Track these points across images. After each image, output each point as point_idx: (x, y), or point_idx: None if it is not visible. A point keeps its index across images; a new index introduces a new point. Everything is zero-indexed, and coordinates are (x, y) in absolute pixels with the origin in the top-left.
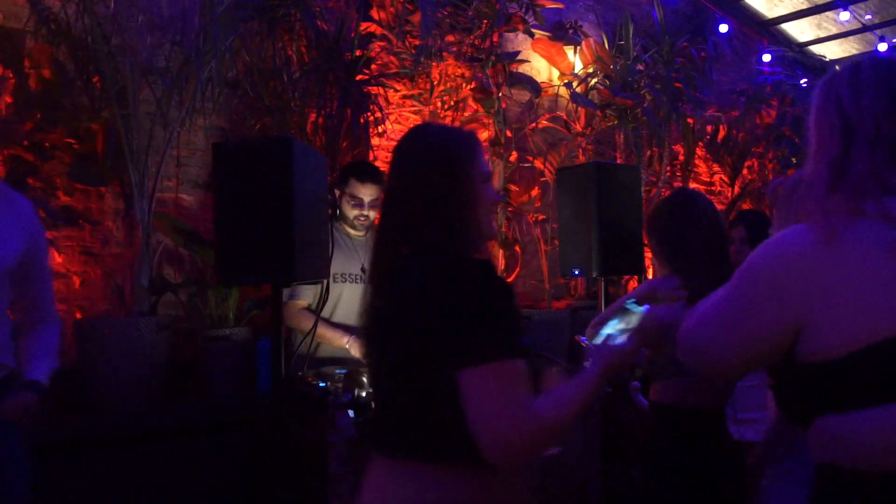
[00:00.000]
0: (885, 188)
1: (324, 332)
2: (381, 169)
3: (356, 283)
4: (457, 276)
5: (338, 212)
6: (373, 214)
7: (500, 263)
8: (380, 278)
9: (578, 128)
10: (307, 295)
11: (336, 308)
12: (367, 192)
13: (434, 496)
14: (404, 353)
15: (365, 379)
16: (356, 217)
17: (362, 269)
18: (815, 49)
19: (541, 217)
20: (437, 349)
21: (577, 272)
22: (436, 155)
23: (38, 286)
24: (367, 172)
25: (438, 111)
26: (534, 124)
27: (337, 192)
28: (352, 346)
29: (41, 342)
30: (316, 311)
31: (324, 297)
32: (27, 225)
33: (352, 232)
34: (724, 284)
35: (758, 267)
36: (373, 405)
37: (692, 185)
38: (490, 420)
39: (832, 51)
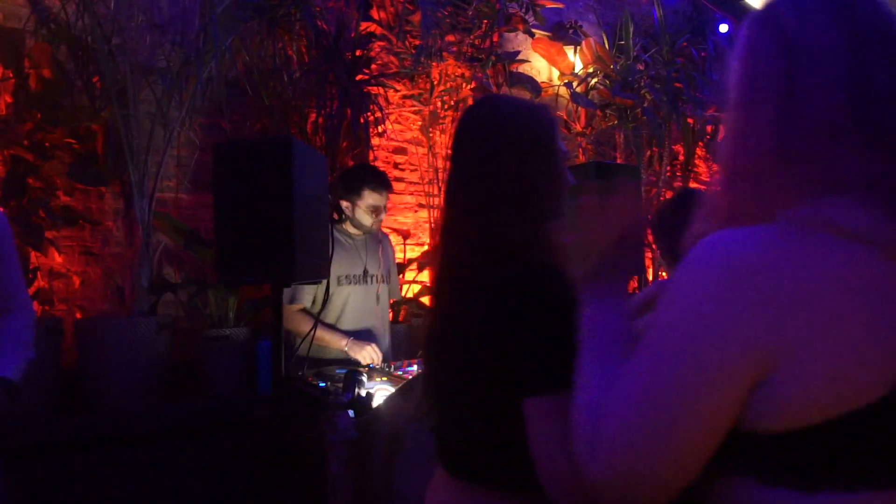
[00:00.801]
0: (836, 180)
1: (322, 334)
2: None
3: (360, 284)
4: (533, 292)
5: (342, 216)
6: (384, 216)
7: None
8: (447, 283)
9: (578, 128)
10: (306, 298)
11: (343, 312)
12: (383, 199)
13: None
14: (470, 371)
15: (365, 379)
16: (373, 223)
17: (365, 271)
18: None
19: None
20: (505, 373)
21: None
22: (513, 131)
23: (4, 275)
24: (381, 182)
25: (438, 111)
26: None
27: (345, 203)
28: (350, 348)
29: (9, 333)
30: (316, 312)
31: (325, 297)
32: None
33: (353, 232)
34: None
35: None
36: (436, 416)
37: (692, 185)
38: (551, 452)
39: None
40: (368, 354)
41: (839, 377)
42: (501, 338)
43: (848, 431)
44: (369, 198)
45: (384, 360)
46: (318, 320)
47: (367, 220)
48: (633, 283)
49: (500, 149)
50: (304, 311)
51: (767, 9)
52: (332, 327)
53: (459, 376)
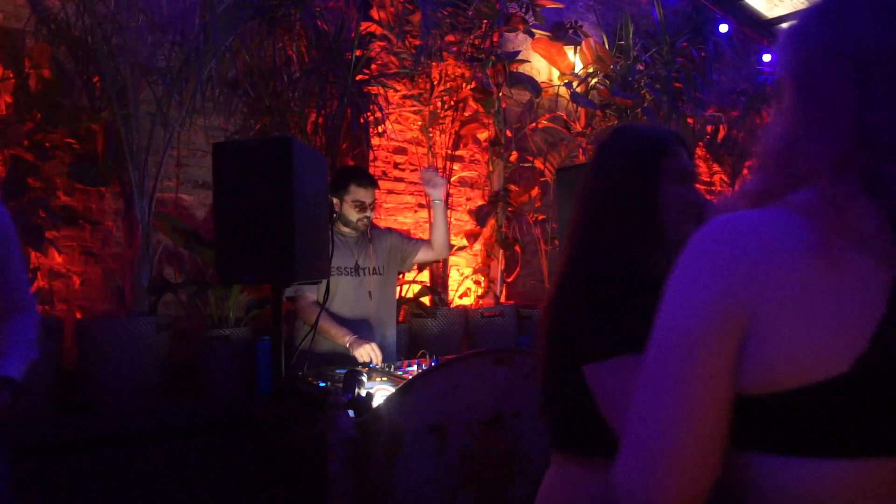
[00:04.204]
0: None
1: (329, 327)
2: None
3: (351, 275)
4: (602, 276)
5: (334, 215)
6: (371, 215)
7: (501, 263)
8: (557, 276)
9: (578, 128)
10: (312, 288)
11: (334, 298)
12: (369, 195)
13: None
14: (556, 347)
15: (365, 379)
16: (360, 220)
17: (356, 265)
18: None
19: (541, 217)
20: (572, 344)
21: None
22: (615, 149)
23: (12, 277)
24: (366, 177)
25: (438, 111)
26: (534, 124)
27: (335, 200)
28: (352, 346)
29: (15, 333)
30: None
31: (325, 297)
32: None
33: (345, 230)
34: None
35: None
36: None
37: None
38: (618, 410)
39: None
40: (367, 353)
41: (803, 345)
42: (572, 313)
43: (817, 402)
44: (355, 193)
45: (387, 357)
46: (322, 309)
47: (353, 215)
48: None
49: (602, 165)
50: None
51: (838, 7)
52: (339, 322)
53: (551, 353)
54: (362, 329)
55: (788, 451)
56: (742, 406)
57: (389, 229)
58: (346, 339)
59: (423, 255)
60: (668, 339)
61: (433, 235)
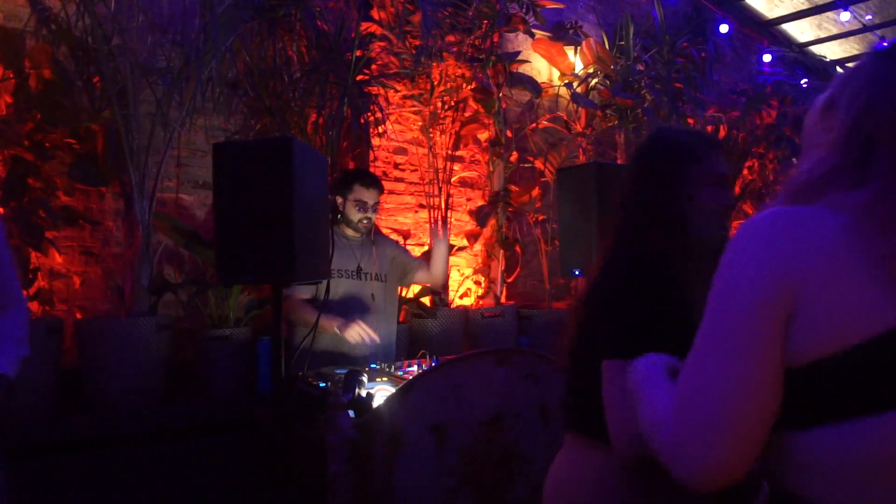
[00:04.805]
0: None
1: (321, 322)
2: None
3: (352, 278)
4: (623, 276)
5: (338, 216)
6: (374, 217)
7: (501, 263)
8: (593, 275)
9: (579, 128)
10: (306, 289)
11: (334, 301)
12: (371, 196)
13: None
14: (578, 338)
15: (365, 379)
16: (360, 220)
17: (358, 268)
18: (815, 49)
19: (541, 217)
20: (593, 338)
21: (577, 272)
22: (644, 156)
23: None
24: (371, 178)
25: (439, 111)
26: (534, 124)
27: (339, 199)
28: (341, 330)
29: (5, 330)
30: (317, 305)
31: (325, 297)
32: None
33: (349, 233)
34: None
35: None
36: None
37: None
38: (617, 408)
39: (833, 51)
40: (356, 333)
41: (845, 311)
42: (594, 309)
43: (862, 362)
44: (358, 192)
45: (387, 357)
46: (323, 307)
47: (354, 215)
48: None
49: (632, 171)
50: (308, 301)
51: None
52: (327, 314)
53: (578, 344)
54: None
55: (839, 416)
56: (795, 381)
57: (395, 242)
58: (334, 325)
59: (421, 275)
60: (724, 316)
61: (432, 265)
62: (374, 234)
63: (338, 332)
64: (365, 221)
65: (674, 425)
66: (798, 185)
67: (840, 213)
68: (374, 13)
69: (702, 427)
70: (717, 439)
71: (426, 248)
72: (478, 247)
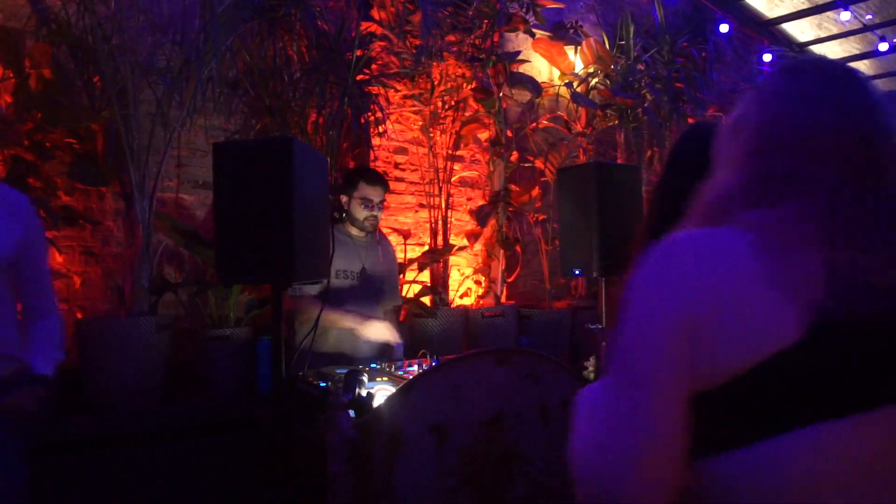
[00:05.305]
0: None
1: (335, 316)
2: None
3: (358, 280)
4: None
5: (343, 214)
6: (379, 215)
7: (501, 263)
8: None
9: (579, 128)
10: (315, 287)
11: (341, 300)
12: (376, 194)
13: None
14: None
15: (365, 379)
16: (366, 218)
17: (363, 269)
18: (815, 49)
19: (541, 217)
20: None
21: (577, 272)
22: (684, 155)
23: (39, 280)
24: (376, 175)
25: (439, 111)
26: (534, 124)
27: (343, 198)
28: (362, 327)
29: (45, 334)
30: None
31: (325, 297)
32: (24, 220)
33: (353, 232)
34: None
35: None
36: None
37: None
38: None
39: (833, 51)
40: (379, 331)
41: (747, 332)
42: None
43: (765, 379)
44: (363, 190)
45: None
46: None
47: (360, 213)
48: None
49: (665, 171)
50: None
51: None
52: (346, 310)
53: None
54: None
55: (748, 439)
56: (703, 406)
57: (394, 256)
58: (353, 321)
59: (385, 303)
60: (631, 347)
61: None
62: (378, 235)
63: (357, 329)
64: (371, 219)
65: (586, 461)
66: (707, 206)
67: (746, 232)
68: (374, 13)
69: (615, 462)
70: (630, 474)
71: (426, 247)
72: (478, 246)
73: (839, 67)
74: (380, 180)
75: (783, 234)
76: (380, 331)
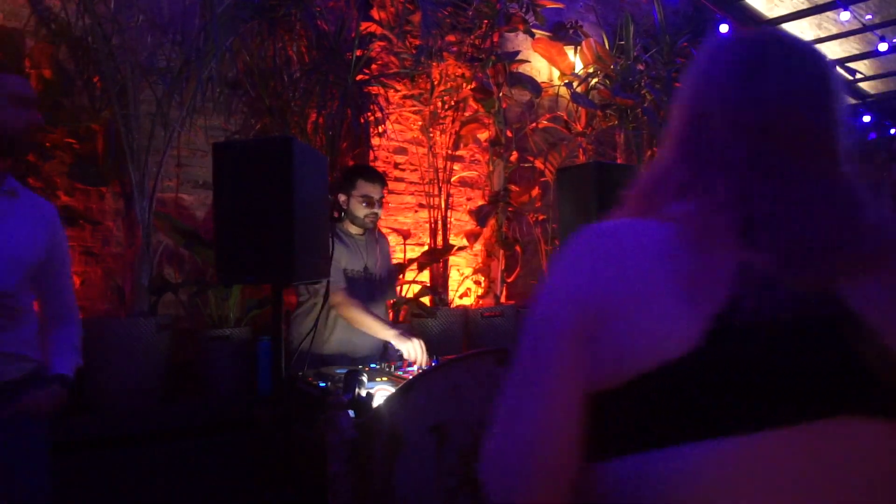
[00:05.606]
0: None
1: (369, 322)
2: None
3: (360, 279)
4: None
5: (342, 213)
6: (380, 212)
7: (501, 263)
8: None
9: (579, 128)
10: (340, 279)
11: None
12: (376, 191)
13: None
14: None
15: (365, 379)
16: (367, 216)
17: (365, 268)
18: None
19: (541, 217)
20: None
21: None
22: None
23: (62, 285)
24: (374, 172)
25: (439, 111)
26: (534, 124)
27: (342, 197)
28: (397, 340)
29: (66, 339)
30: (317, 307)
31: (325, 297)
32: (51, 228)
33: (353, 231)
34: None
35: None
36: None
37: None
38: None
39: (832, 51)
40: (413, 349)
41: (649, 331)
42: None
43: (662, 386)
44: (362, 188)
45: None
46: (324, 302)
47: (360, 211)
48: None
49: None
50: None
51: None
52: (379, 317)
53: None
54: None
55: (647, 445)
56: (608, 404)
57: (391, 256)
58: (389, 332)
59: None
60: (529, 345)
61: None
62: (376, 233)
63: (392, 340)
64: (372, 216)
65: (486, 452)
66: (638, 192)
67: (666, 224)
68: (374, 13)
69: (508, 454)
70: (522, 466)
71: (426, 247)
72: (478, 246)
73: (796, 42)
74: (378, 177)
75: (699, 230)
76: (416, 350)
